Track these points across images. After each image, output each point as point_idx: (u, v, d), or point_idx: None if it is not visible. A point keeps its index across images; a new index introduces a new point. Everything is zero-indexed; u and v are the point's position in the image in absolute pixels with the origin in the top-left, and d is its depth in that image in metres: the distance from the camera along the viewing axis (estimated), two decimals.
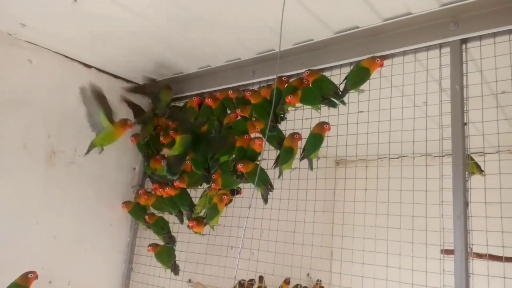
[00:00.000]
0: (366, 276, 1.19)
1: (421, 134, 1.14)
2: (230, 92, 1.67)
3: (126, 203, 1.88)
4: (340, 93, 1.35)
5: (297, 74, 1.51)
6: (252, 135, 1.59)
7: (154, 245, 1.75)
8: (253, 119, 1.59)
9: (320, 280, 2.42)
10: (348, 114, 1.31)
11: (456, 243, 0.99)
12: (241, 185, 1.66)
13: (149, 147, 1.90)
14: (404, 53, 1.26)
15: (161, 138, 1.85)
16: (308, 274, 2.39)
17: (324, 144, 1.36)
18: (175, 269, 1.76)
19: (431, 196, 1.09)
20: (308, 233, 1.42)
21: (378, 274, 1.18)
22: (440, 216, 1.02)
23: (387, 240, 1.16)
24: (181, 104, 1.96)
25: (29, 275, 1.39)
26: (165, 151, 1.85)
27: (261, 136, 1.53)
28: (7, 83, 1.55)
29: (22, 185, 1.56)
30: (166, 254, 1.74)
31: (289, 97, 1.42)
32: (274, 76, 1.48)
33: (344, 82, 1.33)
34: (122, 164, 1.97)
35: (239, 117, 1.64)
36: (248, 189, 1.67)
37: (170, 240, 1.77)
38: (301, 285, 2.33)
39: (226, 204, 1.62)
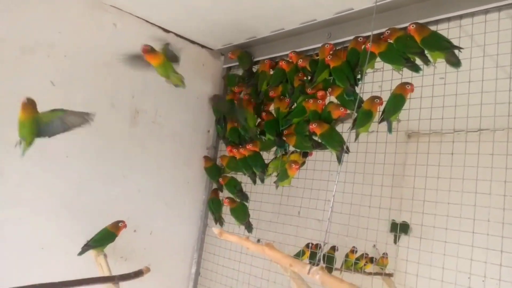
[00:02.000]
0: (436, 252, 1.28)
1: (504, 108, 1.15)
2: (300, 61, 1.77)
3: (206, 159, 2.18)
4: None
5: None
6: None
7: (231, 200, 2.01)
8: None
9: (386, 253, 2.54)
10: (422, 87, 1.34)
11: None
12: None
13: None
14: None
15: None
16: (374, 245, 2.51)
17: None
18: (249, 226, 2.02)
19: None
20: (375, 207, 1.52)
21: (449, 251, 1.26)
22: None
23: (460, 217, 1.22)
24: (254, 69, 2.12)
25: (119, 224, 1.73)
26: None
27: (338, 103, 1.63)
28: (95, 45, 1.84)
29: (111, 141, 1.89)
30: (241, 211, 2.01)
31: (368, 45, 1.46)
32: (351, 37, 1.54)
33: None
34: (197, 126, 2.24)
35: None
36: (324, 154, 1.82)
37: (243, 197, 2.02)
38: (367, 254, 2.48)
39: (298, 169, 1.79)
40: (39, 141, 1.63)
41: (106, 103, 1.87)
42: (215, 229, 1.39)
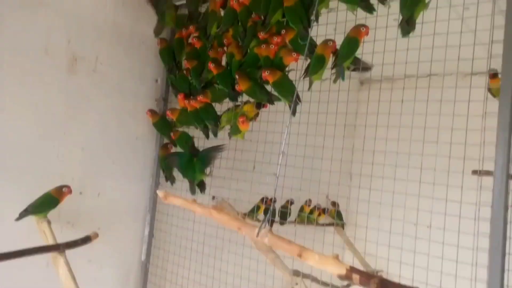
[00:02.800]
0: (385, 203, 1.34)
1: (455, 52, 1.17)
2: None
3: (152, 113, 2.11)
4: None
5: None
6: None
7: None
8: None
9: (338, 204, 2.65)
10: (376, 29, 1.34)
11: (498, 159, 1.07)
12: None
13: (172, 58, 2.05)
14: None
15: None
16: (326, 196, 2.62)
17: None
18: (202, 186, 2.02)
19: (459, 120, 1.16)
20: (327, 159, 1.55)
21: (397, 201, 1.32)
22: (466, 143, 1.10)
23: (407, 167, 1.27)
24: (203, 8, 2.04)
25: (63, 189, 1.65)
26: (187, 63, 1.99)
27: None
28: None
29: (46, 93, 1.79)
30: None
31: None
32: None
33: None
34: (144, 75, 2.17)
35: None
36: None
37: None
38: (320, 205, 2.60)
39: (251, 120, 1.78)
40: None
41: (38, 49, 1.76)
42: (159, 192, 1.38)
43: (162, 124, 2.13)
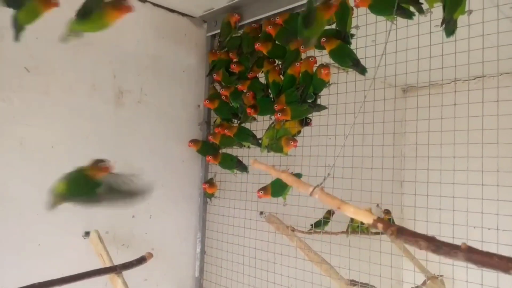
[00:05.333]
0: (445, 209, 1.24)
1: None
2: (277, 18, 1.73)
3: (194, 142, 2.08)
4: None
5: None
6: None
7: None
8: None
9: (388, 210, 2.56)
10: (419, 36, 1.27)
11: None
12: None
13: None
14: None
15: None
16: (377, 205, 2.52)
17: (391, 72, 1.33)
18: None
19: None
20: (376, 169, 1.49)
21: (458, 206, 1.23)
22: None
23: (467, 170, 1.17)
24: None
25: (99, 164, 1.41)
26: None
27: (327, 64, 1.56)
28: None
29: (96, 126, 1.81)
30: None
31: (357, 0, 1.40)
32: None
33: None
34: (186, 102, 2.16)
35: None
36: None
37: (243, 168, 1.99)
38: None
39: (295, 146, 1.73)
40: (20, 134, 1.58)
41: (87, 86, 1.79)
42: (251, 160, 1.38)
43: (204, 149, 2.10)
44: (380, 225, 0.91)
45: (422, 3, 1.30)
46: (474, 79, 1.12)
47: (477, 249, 0.75)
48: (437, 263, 1.31)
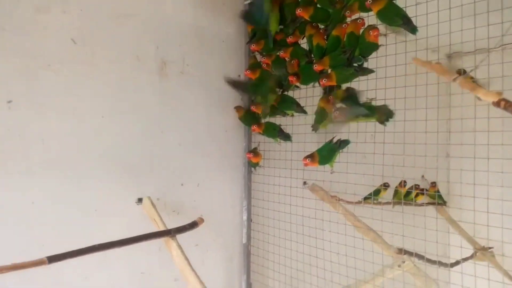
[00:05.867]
0: (492, 171, 1.17)
1: None
2: None
3: (237, 108, 2.10)
4: None
5: None
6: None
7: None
8: None
9: (435, 182, 2.46)
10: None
11: None
12: None
13: None
14: None
15: None
16: (422, 176, 2.43)
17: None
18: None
19: None
20: (421, 144, 1.41)
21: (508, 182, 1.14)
22: None
23: (502, 145, 1.08)
24: None
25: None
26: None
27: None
28: None
29: (141, 97, 1.83)
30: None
31: None
32: None
33: None
34: (227, 72, 2.14)
35: None
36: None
37: (286, 137, 1.95)
38: (418, 185, 2.39)
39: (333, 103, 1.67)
40: (72, 104, 1.61)
41: (131, 57, 1.80)
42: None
43: (247, 117, 2.09)
44: (502, 103, 0.95)
45: None
46: None
47: None
48: (485, 239, 1.24)
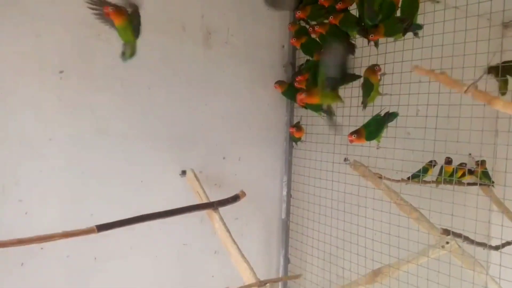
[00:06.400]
0: None
1: None
2: None
3: (279, 83, 2.01)
4: None
5: None
6: None
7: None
8: None
9: (484, 161, 2.35)
10: None
11: None
12: None
13: None
14: None
15: None
16: (470, 154, 2.32)
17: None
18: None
19: None
20: (467, 118, 1.33)
21: None
22: None
23: None
24: None
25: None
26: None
27: None
28: None
29: (187, 68, 1.79)
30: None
31: None
32: None
33: None
34: (271, 42, 2.07)
35: None
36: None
37: (329, 114, 1.87)
38: (465, 163, 2.28)
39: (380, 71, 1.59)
40: (120, 75, 1.60)
41: (177, 27, 1.76)
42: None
43: (290, 91, 2.01)
44: None
45: None
46: None
47: None
48: None
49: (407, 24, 1.49)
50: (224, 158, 1.94)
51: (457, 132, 1.57)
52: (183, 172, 1.75)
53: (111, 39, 1.54)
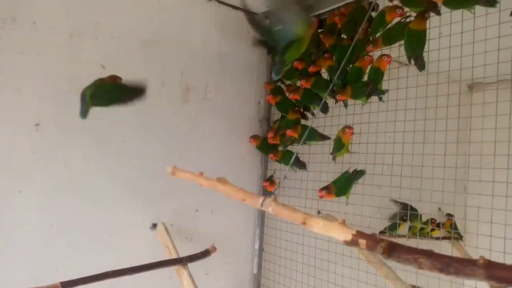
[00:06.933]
0: (497, 208, 1.15)
1: None
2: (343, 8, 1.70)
3: (254, 138, 2.08)
4: None
5: None
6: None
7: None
8: None
9: (452, 215, 2.42)
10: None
11: None
12: None
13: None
14: None
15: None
16: (439, 208, 2.39)
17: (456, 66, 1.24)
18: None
19: None
20: (439, 167, 1.41)
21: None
22: None
23: None
24: None
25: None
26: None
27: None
28: (141, 23, 1.77)
29: (165, 121, 1.83)
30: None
31: None
32: None
33: None
34: (247, 98, 2.15)
35: None
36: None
37: (301, 165, 1.95)
38: (434, 219, 2.35)
39: (352, 133, 1.67)
40: (96, 128, 1.62)
41: (157, 82, 1.81)
42: (168, 168, 1.33)
43: (264, 146, 2.08)
44: (363, 242, 0.71)
45: None
46: None
47: (500, 264, 0.58)
48: None
49: (371, 88, 1.58)
50: (196, 210, 1.94)
51: (431, 193, 1.63)
52: (154, 226, 1.74)
53: None
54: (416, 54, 1.42)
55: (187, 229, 1.88)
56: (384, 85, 1.67)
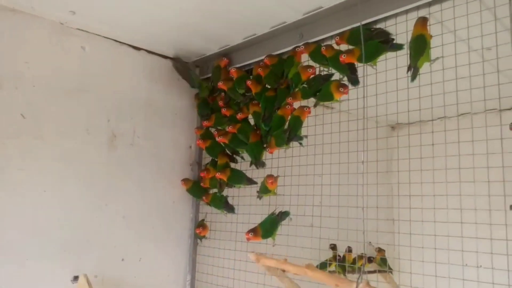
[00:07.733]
0: (427, 247, 1.25)
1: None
2: (266, 59, 1.80)
3: (185, 181, 2.11)
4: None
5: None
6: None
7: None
8: None
9: (382, 249, 2.51)
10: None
11: None
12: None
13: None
14: None
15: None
16: (370, 243, 2.51)
17: (382, 111, 1.38)
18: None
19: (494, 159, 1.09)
20: (365, 207, 1.50)
21: (439, 244, 1.23)
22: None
23: (447, 208, 1.19)
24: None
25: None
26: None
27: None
28: (65, 72, 1.77)
29: (88, 169, 1.80)
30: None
31: (343, 56, 1.48)
32: (323, 36, 1.54)
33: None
34: (178, 143, 2.18)
35: None
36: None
37: (230, 209, 2.01)
38: (365, 254, 2.46)
39: (275, 183, 1.75)
40: (14, 179, 1.56)
41: (81, 131, 1.80)
42: (251, 255, 1.32)
43: (195, 189, 2.11)
44: None
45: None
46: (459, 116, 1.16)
47: None
48: None
49: (288, 134, 1.69)
50: (123, 259, 1.87)
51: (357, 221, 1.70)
52: (75, 278, 1.65)
53: (8, 144, 1.53)
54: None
55: (113, 280, 1.81)
56: (311, 131, 1.78)
